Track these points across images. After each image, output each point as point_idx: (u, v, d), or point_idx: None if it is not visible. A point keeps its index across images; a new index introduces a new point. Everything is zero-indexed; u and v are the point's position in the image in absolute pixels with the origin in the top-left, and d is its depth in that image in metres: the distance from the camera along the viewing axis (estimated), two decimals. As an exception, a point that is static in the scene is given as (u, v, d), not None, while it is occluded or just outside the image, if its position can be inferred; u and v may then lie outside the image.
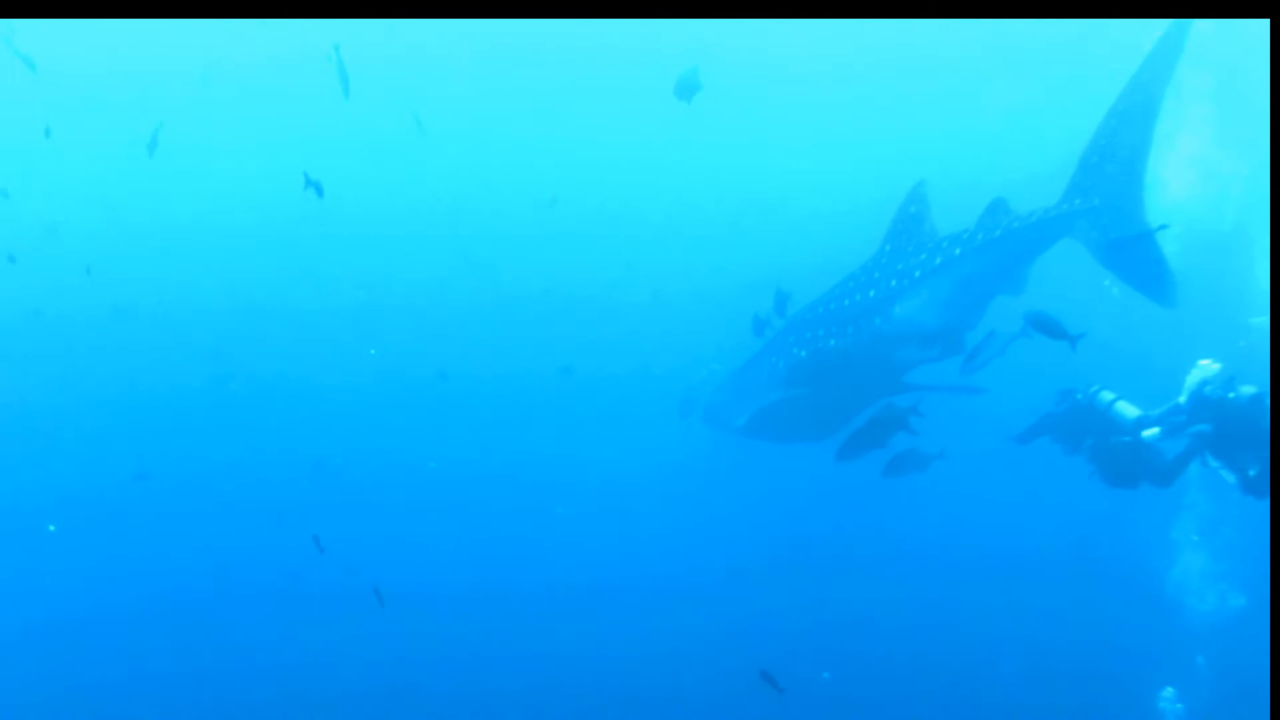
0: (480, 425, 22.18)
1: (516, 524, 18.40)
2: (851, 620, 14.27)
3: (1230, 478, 7.99)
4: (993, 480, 15.40)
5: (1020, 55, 26.59)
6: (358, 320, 25.30)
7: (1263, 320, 15.18)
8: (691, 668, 13.49)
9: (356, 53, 24.36)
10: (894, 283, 9.98)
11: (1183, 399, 8.23)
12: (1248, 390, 7.83)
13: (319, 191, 9.85)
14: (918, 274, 9.78)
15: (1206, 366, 8.21)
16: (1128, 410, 8.53)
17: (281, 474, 19.13)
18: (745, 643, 12.15)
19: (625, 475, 18.93)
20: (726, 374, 12.54)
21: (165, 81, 26.74)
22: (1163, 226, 8.44)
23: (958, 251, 9.55)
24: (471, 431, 21.92)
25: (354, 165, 25.60)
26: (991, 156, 25.37)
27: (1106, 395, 8.71)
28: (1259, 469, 7.63)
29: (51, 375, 23.83)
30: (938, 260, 9.69)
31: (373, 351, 23.29)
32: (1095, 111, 9.27)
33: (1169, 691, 12.32)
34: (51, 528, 16.95)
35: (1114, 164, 8.95)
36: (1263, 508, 7.82)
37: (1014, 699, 12.64)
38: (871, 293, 10.18)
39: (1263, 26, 7.78)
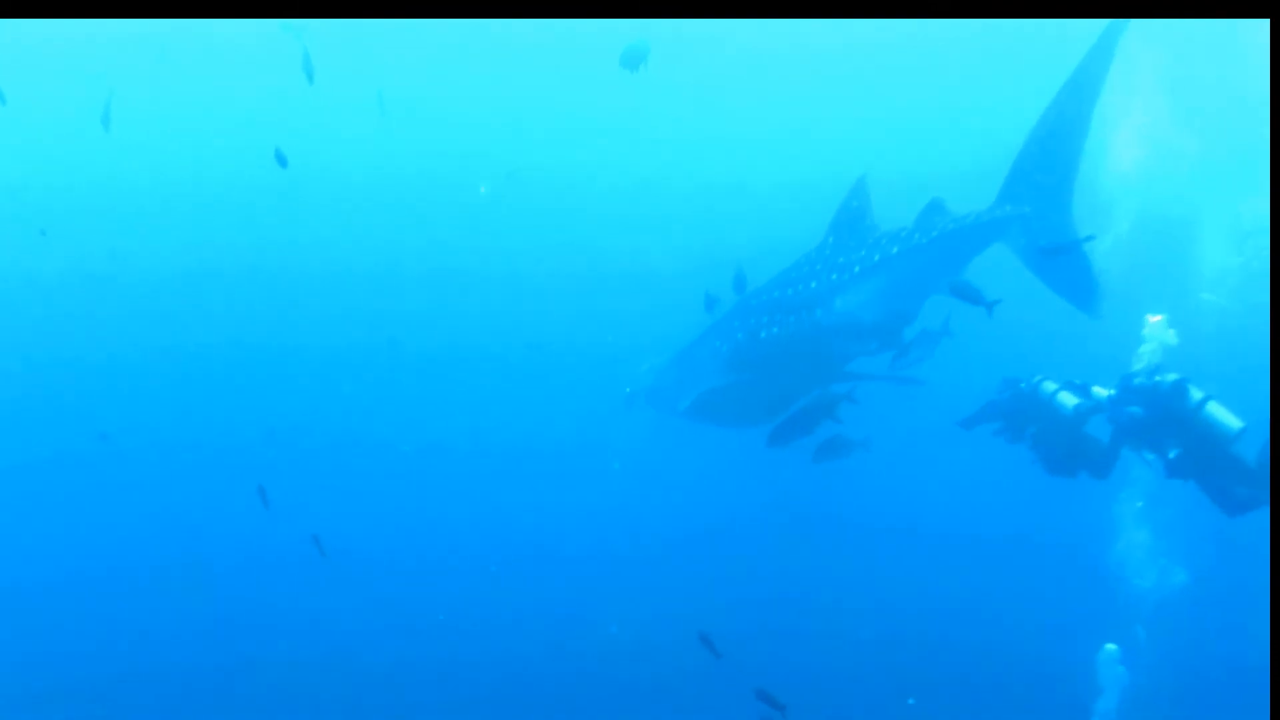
0: (430, 396, 22.45)
1: (464, 494, 18.79)
2: (801, 596, 14.57)
3: (1155, 462, 8.36)
4: (941, 464, 15.67)
5: (973, 48, 26.62)
6: (314, 289, 25.48)
7: (1213, 297, 15.40)
8: (630, 636, 13.85)
9: (317, 27, 24.44)
10: (835, 276, 10.20)
11: (1111, 391, 8.57)
12: (1171, 377, 8.11)
13: (283, 162, 9.81)
14: (857, 269, 10.00)
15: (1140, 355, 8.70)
16: (1068, 400, 8.73)
17: (235, 439, 19.16)
18: (686, 613, 12.26)
19: (573, 449, 19.28)
20: (669, 357, 12.60)
21: (123, 49, 26.13)
22: (1090, 237, 8.62)
23: (895, 250, 9.77)
24: (421, 401, 22.20)
25: (312, 136, 25.30)
26: (941, 146, 25.43)
27: (1049, 385, 8.88)
28: (1179, 451, 8.01)
29: (9, 339, 23.79)
30: (877, 257, 9.89)
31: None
32: (1039, 104, 9.36)
33: (1111, 648, 12.59)
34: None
35: (1046, 172, 9.18)
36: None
37: (955, 669, 12.99)
38: (813, 284, 10.39)
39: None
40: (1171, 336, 10.46)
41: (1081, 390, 8.78)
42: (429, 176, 28.65)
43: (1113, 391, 8.56)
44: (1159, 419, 8.17)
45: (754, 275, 11.64)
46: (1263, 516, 8.12)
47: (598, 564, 16.00)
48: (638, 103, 25.41)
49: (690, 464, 15.11)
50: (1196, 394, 7.96)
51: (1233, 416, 7.79)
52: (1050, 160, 9.17)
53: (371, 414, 21.44)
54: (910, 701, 13.05)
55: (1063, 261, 8.90)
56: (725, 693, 10.15)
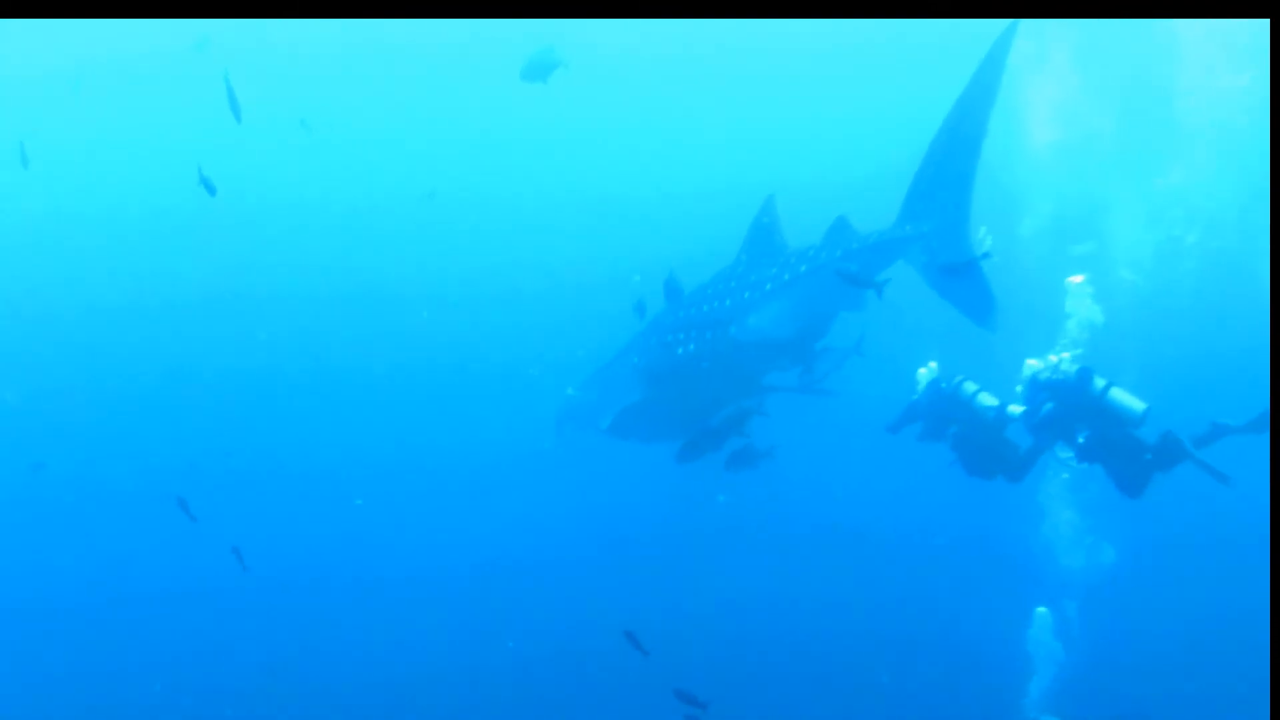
0: (354, 418, 22.49)
1: (387, 515, 18.81)
2: (724, 600, 14.84)
3: (1067, 451, 8.68)
4: (864, 466, 15.96)
5: (891, 50, 26.93)
6: (237, 314, 25.20)
7: (1134, 276, 15.62)
8: (552, 645, 14.14)
9: (232, 47, 23.99)
10: (747, 294, 10.38)
11: (1020, 387, 8.85)
12: (1074, 368, 8.47)
13: (210, 190, 9.56)
14: (769, 287, 10.20)
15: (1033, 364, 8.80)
16: (988, 401, 8.93)
17: (164, 466, 18.98)
18: (610, 620, 12.39)
19: (495, 467, 19.44)
20: (587, 376, 12.62)
21: (36, 83, 25.88)
22: (986, 255, 8.71)
23: (804, 269, 9.97)
24: (344, 423, 22.26)
25: (232, 161, 25.02)
26: (857, 149, 25.65)
27: (970, 386, 9.06)
28: (1088, 435, 8.37)
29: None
30: (786, 276, 10.10)
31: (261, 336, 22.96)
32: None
33: (1042, 610, 12.85)
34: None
35: (943, 190, 9.29)
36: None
37: (885, 661, 13.28)
38: (727, 301, 10.56)
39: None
40: (1098, 314, 10.72)
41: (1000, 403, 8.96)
42: (349, 198, 28.59)
43: (1022, 404, 8.75)
44: (1069, 409, 8.45)
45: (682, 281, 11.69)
46: (1166, 494, 8.49)
47: (519, 575, 16.27)
48: (552, 115, 25.37)
49: (614, 473, 15.16)
50: (1100, 382, 8.31)
51: (1136, 400, 8.15)
52: (946, 177, 9.29)
53: (297, 436, 21.35)
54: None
55: (961, 278, 9.04)
56: (650, 699, 10.27)
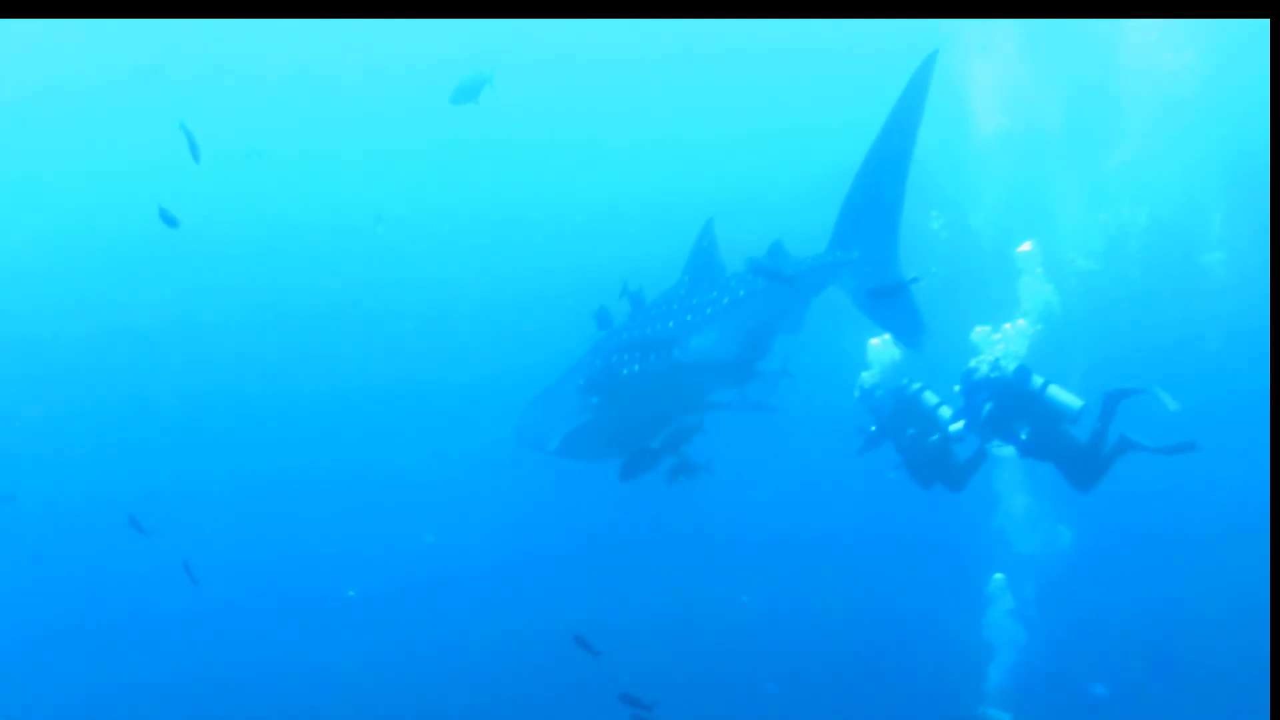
0: (308, 436, 22.57)
1: (347, 531, 18.91)
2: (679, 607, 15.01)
3: (1008, 447, 8.84)
4: (810, 474, 16.24)
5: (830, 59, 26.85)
6: (191, 337, 25.19)
7: (1088, 264, 15.71)
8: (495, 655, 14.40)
9: (182, 76, 23.62)
10: (689, 317, 10.64)
11: (958, 386, 9.05)
12: (1012, 365, 8.65)
13: (172, 222, 9.42)
14: (709, 311, 10.49)
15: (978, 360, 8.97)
16: (948, 414, 9.02)
17: (122, 491, 18.99)
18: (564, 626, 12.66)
19: (455, 482, 19.55)
20: (531, 397, 12.65)
21: None
22: (915, 279, 8.99)
23: (742, 293, 10.29)
24: (298, 442, 22.30)
25: (182, 189, 24.92)
26: (806, 160, 25.68)
27: (931, 397, 9.15)
28: (1029, 431, 8.52)
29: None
30: (726, 300, 10.40)
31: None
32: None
33: (999, 577, 13.07)
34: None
35: (870, 217, 9.74)
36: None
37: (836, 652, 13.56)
38: (670, 323, 10.79)
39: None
40: (1051, 292, 10.84)
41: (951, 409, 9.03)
42: (301, 225, 28.38)
43: (961, 401, 8.93)
44: (1008, 406, 8.60)
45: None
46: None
47: (471, 585, 16.46)
48: (506, 131, 25.51)
49: (565, 487, 15.29)
50: (1038, 379, 8.49)
51: (1073, 397, 8.35)
52: (873, 205, 9.73)
53: (256, 458, 21.41)
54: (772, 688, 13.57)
55: (890, 302, 9.36)
56: (598, 703, 10.49)
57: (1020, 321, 9.95)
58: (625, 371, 10.93)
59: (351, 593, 14.37)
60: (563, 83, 28.07)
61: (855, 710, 12.88)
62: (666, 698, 9.66)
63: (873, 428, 9.42)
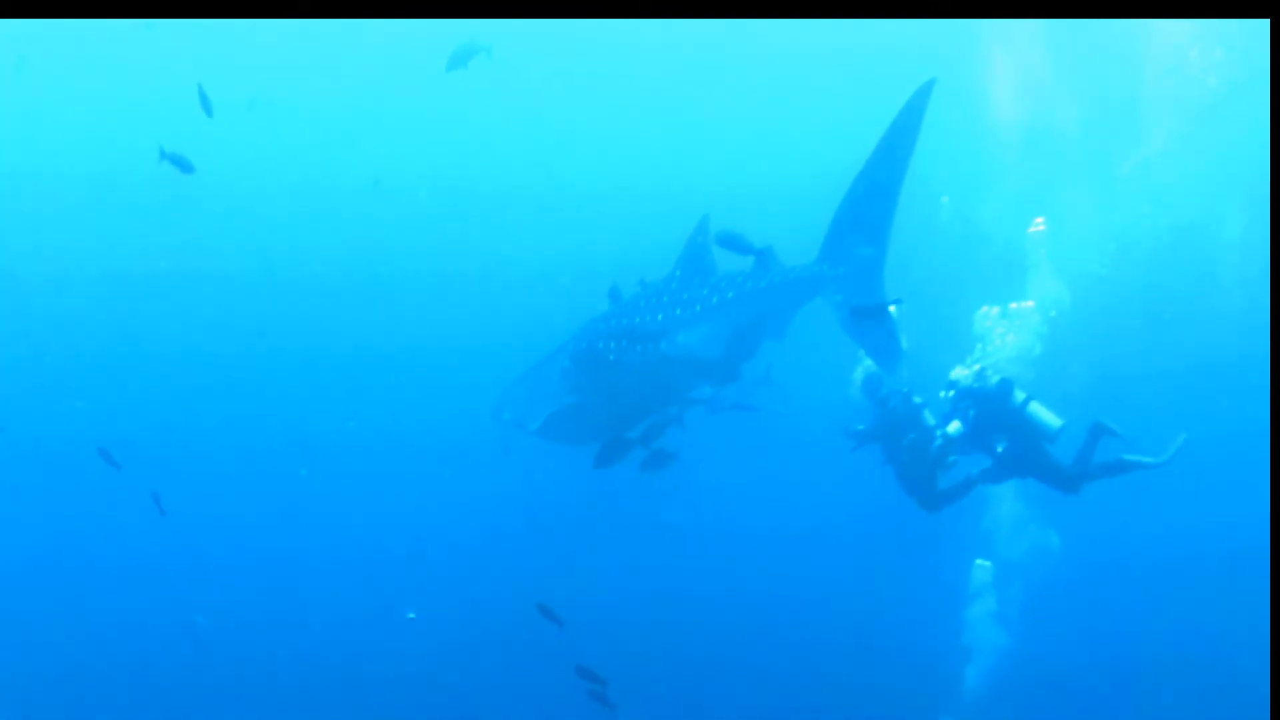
0: (298, 400, 22.70)
1: (326, 495, 19.14)
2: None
3: (986, 460, 8.82)
4: (796, 471, 16.17)
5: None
6: (184, 292, 25.37)
7: (1104, 269, 15.39)
8: (456, 631, 14.41)
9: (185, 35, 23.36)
10: (679, 311, 10.62)
11: (944, 392, 8.99)
12: (995, 378, 8.63)
13: (185, 168, 9.39)
14: (699, 308, 10.47)
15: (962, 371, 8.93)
16: (954, 428, 8.85)
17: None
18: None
19: (429, 452, 19.78)
20: (516, 375, 12.65)
21: None
22: (898, 300, 9.07)
23: (731, 295, 10.33)
24: (287, 404, 22.53)
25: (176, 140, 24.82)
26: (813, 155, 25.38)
27: (917, 399, 9.02)
28: (1006, 445, 8.54)
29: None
30: (715, 299, 10.41)
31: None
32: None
33: (983, 562, 13.01)
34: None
35: (859, 236, 9.85)
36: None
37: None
38: (660, 316, 10.75)
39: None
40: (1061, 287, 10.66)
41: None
42: (298, 182, 28.43)
43: (949, 411, 8.81)
44: (988, 419, 8.57)
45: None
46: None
47: (435, 557, 16.59)
48: (515, 105, 25.71)
49: (540, 466, 15.31)
50: (1020, 395, 8.45)
51: (1053, 415, 8.32)
52: (862, 224, 9.83)
53: (235, 415, 21.71)
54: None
55: (870, 322, 9.36)
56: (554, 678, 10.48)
57: (1028, 302, 9.90)
58: (611, 358, 10.89)
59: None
60: (583, 66, 27.98)
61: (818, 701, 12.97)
62: (625, 674, 9.59)
63: (860, 426, 9.35)
